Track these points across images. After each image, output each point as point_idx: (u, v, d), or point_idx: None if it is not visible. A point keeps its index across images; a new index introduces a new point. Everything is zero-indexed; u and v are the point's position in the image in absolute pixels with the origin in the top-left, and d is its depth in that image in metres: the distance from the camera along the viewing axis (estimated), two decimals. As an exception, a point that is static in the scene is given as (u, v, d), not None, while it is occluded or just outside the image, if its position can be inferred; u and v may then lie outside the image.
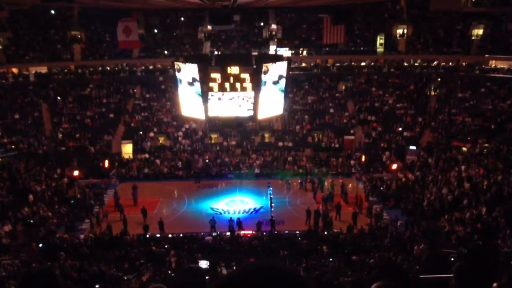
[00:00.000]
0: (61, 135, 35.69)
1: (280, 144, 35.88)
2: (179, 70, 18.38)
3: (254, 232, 23.70)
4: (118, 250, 20.73)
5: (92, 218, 25.65)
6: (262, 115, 19.55)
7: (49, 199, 27.20)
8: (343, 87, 40.53)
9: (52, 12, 42.42)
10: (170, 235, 23.39)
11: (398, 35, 40.37)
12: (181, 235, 23.34)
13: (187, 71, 18.06)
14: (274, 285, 1.23)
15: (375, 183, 29.87)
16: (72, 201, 27.62)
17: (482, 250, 3.44)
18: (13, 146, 33.67)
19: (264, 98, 18.26)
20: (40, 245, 21.01)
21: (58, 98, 38.31)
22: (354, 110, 38.47)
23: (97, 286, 14.13)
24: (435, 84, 38.86)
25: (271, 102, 19.06)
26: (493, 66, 38.47)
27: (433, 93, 38.78)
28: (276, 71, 18.04)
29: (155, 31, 43.09)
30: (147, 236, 23.32)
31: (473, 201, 23.50)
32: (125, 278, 16.09)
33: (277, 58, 20.78)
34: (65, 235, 22.72)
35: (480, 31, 38.74)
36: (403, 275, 3.85)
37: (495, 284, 3.89)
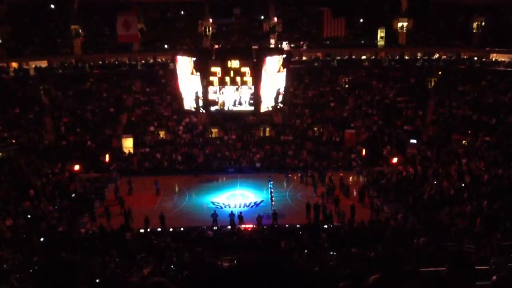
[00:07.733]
0: (63, 128, 35.65)
1: (281, 138, 35.85)
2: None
3: (254, 226, 23.76)
4: (119, 244, 20.78)
5: (92, 213, 25.64)
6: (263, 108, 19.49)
7: (50, 193, 27.24)
8: (344, 81, 40.38)
9: (52, 6, 42.25)
10: (171, 229, 23.48)
11: (398, 28, 40.23)
12: (182, 229, 23.43)
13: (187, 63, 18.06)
14: (272, 277, 1.23)
15: (376, 177, 29.86)
16: (73, 195, 27.67)
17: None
18: (13, 141, 33.66)
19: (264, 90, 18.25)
20: (41, 239, 21.09)
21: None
22: (354, 103, 38.39)
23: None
24: (436, 77, 38.73)
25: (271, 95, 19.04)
26: (494, 59, 38.33)
27: (433, 87, 38.66)
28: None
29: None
30: (148, 230, 23.37)
31: (473, 194, 23.51)
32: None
33: (277, 51, 20.74)
34: (66, 229, 22.77)
35: (481, 24, 38.57)
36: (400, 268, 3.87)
37: (494, 277, 3.91)
